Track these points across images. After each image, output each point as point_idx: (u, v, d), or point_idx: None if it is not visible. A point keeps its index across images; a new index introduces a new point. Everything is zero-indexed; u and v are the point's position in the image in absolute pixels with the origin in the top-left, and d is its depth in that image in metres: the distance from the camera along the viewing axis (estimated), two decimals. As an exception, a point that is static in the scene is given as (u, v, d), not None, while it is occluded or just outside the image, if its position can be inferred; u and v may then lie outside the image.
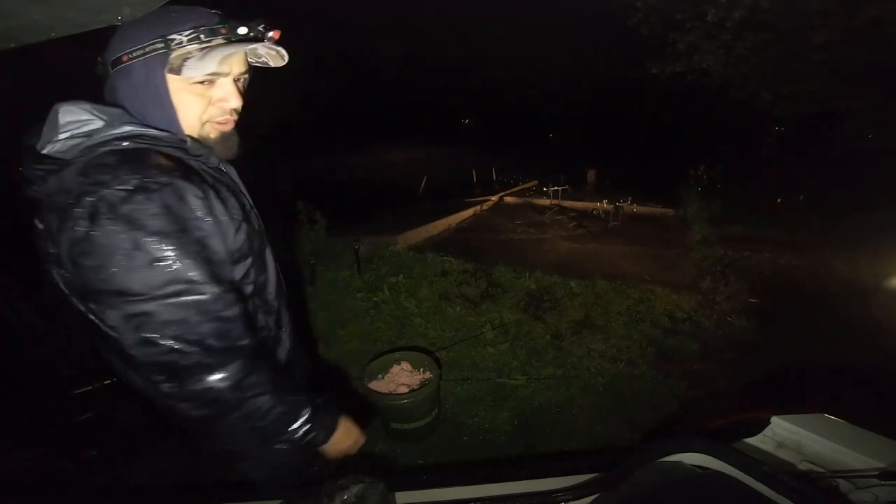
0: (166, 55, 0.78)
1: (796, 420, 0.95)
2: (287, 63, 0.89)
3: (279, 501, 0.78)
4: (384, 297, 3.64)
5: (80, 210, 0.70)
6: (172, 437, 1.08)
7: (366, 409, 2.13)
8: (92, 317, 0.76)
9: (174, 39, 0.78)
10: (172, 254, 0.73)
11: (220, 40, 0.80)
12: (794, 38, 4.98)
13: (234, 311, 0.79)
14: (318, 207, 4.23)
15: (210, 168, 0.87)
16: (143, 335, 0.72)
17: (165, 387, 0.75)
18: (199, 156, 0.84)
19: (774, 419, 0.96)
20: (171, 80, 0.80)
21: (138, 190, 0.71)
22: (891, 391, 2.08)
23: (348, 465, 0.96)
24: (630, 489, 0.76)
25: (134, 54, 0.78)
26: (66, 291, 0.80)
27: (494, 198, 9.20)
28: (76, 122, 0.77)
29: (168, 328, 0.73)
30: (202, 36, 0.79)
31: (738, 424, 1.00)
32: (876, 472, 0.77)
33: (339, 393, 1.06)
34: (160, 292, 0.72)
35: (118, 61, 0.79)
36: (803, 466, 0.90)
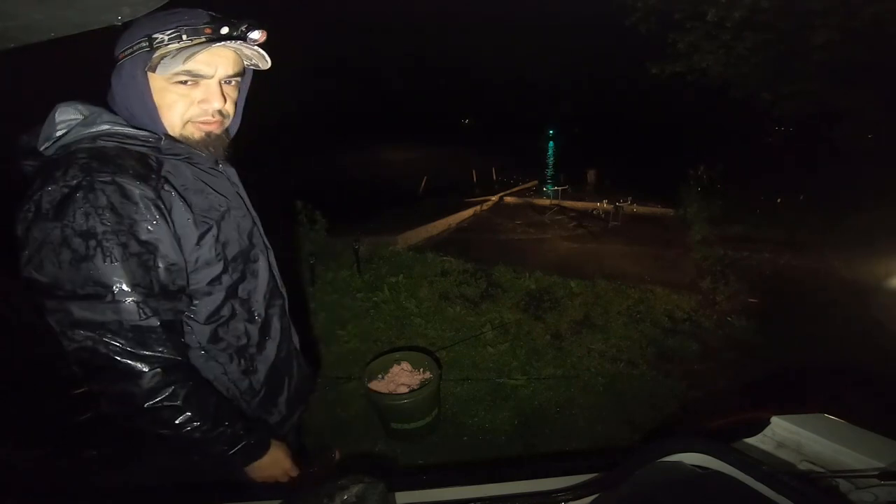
0: (149, 53, 0.79)
1: (796, 420, 0.95)
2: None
3: (279, 501, 0.77)
4: (384, 297, 3.64)
5: (27, 205, 0.72)
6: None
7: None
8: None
9: (156, 38, 0.78)
10: (99, 254, 0.72)
11: (200, 39, 0.79)
12: (794, 38, 4.98)
13: (158, 320, 0.76)
14: (318, 207, 4.24)
15: (197, 167, 0.87)
16: (63, 329, 0.73)
17: (84, 379, 0.76)
18: (177, 155, 0.84)
19: (774, 419, 0.96)
20: (154, 78, 0.81)
21: (79, 188, 0.72)
22: (891, 391, 2.08)
23: (348, 466, 0.96)
24: (630, 489, 0.76)
25: (125, 52, 0.80)
26: None
27: (494, 198, 9.20)
28: (66, 120, 0.80)
29: (84, 328, 0.72)
30: (184, 35, 0.79)
31: (738, 424, 1.00)
32: (876, 472, 0.77)
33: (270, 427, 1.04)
34: (81, 291, 0.72)
35: (115, 59, 0.81)
36: (803, 466, 0.90)
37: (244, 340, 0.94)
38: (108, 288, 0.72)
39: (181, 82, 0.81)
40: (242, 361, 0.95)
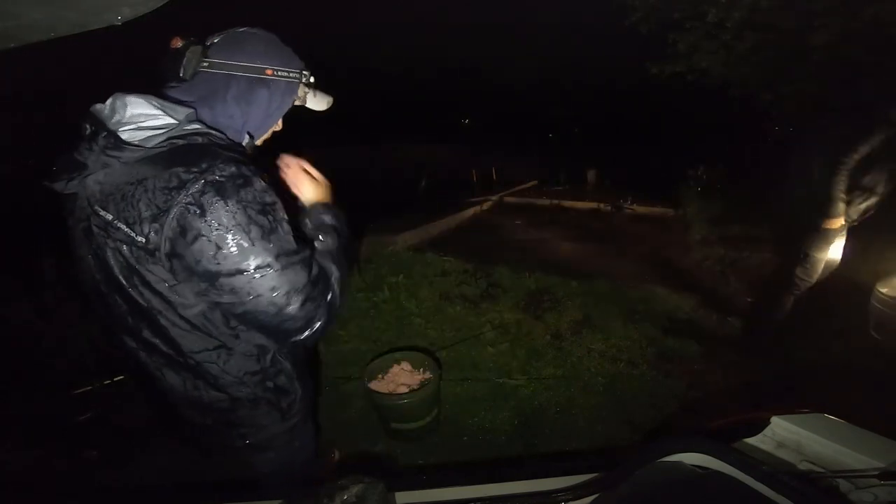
0: (298, 86, 0.96)
1: (796, 420, 0.95)
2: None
3: (279, 501, 0.77)
4: (384, 297, 3.64)
5: (187, 195, 0.74)
6: (173, 437, 1.08)
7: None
8: (175, 300, 0.83)
9: (306, 75, 0.97)
10: (280, 227, 0.81)
11: (314, 82, 1.00)
12: (794, 38, 4.97)
13: (317, 265, 0.91)
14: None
15: None
16: (272, 298, 0.80)
17: (301, 330, 0.85)
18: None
19: (774, 419, 0.96)
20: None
21: (238, 175, 0.78)
22: (891, 391, 2.08)
23: (348, 466, 0.96)
24: (630, 489, 0.77)
25: (279, 73, 0.91)
26: (121, 277, 0.83)
27: (494, 198, 9.19)
28: (145, 114, 0.80)
29: (287, 289, 0.81)
30: (312, 78, 0.99)
31: (738, 424, 1.00)
32: (876, 472, 0.77)
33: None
34: (279, 262, 0.80)
35: (256, 70, 0.89)
36: (803, 466, 0.90)
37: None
38: (296, 251, 0.84)
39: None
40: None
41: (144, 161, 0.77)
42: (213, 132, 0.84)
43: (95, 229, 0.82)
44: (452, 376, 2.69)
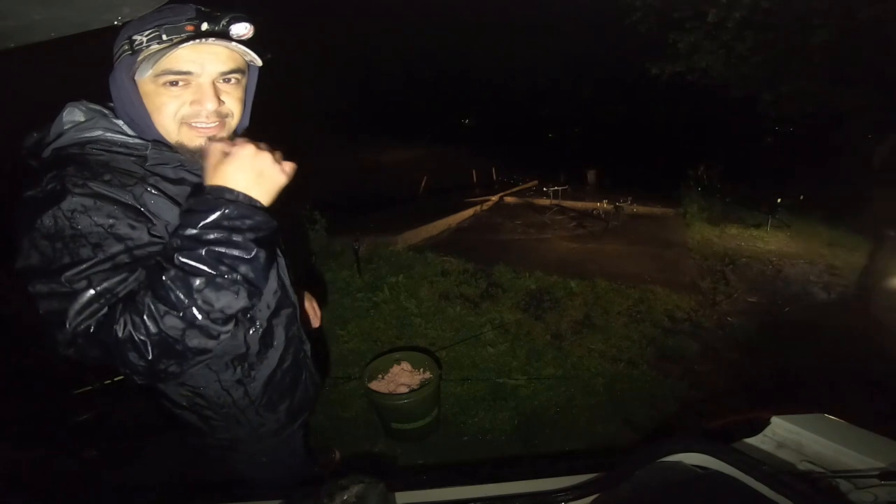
0: (133, 57, 0.76)
1: (796, 420, 0.95)
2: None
3: (279, 501, 0.77)
4: (384, 297, 3.64)
5: (18, 208, 0.72)
6: (172, 435, 1.08)
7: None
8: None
9: (136, 40, 0.75)
10: (66, 256, 0.70)
11: (181, 37, 0.75)
12: (794, 38, 4.98)
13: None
14: (318, 207, 4.24)
15: (195, 172, 0.83)
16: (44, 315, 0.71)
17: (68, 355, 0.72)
18: (165, 163, 0.82)
19: (774, 419, 0.96)
20: (142, 83, 0.78)
21: (53, 193, 0.70)
22: (891, 391, 2.08)
23: (348, 466, 0.96)
24: (630, 489, 0.76)
25: (114, 58, 0.79)
26: None
27: (494, 198, 9.18)
28: (71, 121, 0.80)
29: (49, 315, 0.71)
30: (164, 35, 0.74)
31: (738, 424, 1.00)
32: (876, 472, 0.77)
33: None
34: (48, 289, 0.70)
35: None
36: (803, 466, 0.89)
37: (242, 349, 0.93)
38: (70, 285, 0.69)
39: (170, 83, 0.77)
40: (239, 369, 0.94)
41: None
42: (115, 138, 0.79)
43: None
44: (452, 376, 2.69)
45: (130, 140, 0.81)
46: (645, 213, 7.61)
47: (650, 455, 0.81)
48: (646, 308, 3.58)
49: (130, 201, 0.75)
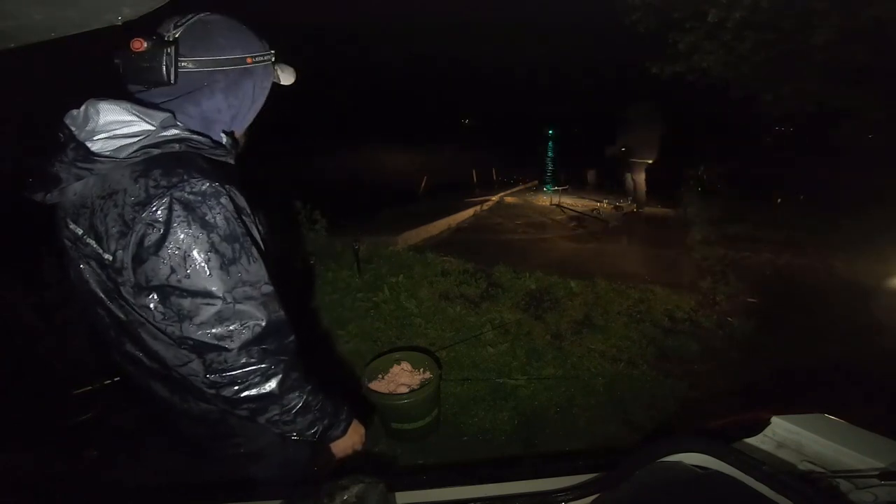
0: (272, 66, 0.92)
1: (796, 420, 0.95)
2: (284, 62, 0.98)
3: (279, 501, 0.77)
4: (384, 297, 3.63)
5: (151, 212, 0.71)
6: (171, 437, 1.07)
7: (367, 410, 2.13)
8: (147, 316, 0.77)
9: (272, 52, 0.92)
10: (244, 256, 0.76)
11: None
12: (794, 38, 4.97)
13: (282, 308, 0.83)
14: (318, 207, 4.23)
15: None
16: (213, 332, 0.74)
17: (225, 388, 0.78)
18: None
19: (774, 419, 0.96)
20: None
21: (210, 194, 0.74)
22: (891, 391, 2.08)
23: (348, 465, 0.96)
24: (630, 489, 0.76)
25: (257, 60, 0.87)
26: (99, 291, 0.80)
27: (494, 198, 9.19)
28: (119, 122, 0.75)
29: (235, 326, 0.75)
30: (274, 53, 0.92)
31: (738, 424, 1.00)
32: (876, 472, 0.77)
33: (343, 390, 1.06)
34: (233, 295, 0.75)
35: (238, 61, 0.84)
36: (803, 466, 0.90)
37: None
38: (256, 285, 0.78)
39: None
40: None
41: (116, 173, 0.73)
42: (194, 137, 0.78)
43: (67, 243, 0.80)
44: (452, 376, 2.69)
45: (206, 140, 0.82)
46: (645, 212, 7.62)
47: (650, 455, 0.81)
48: (646, 308, 3.58)
49: (245, 203, 0.84)
